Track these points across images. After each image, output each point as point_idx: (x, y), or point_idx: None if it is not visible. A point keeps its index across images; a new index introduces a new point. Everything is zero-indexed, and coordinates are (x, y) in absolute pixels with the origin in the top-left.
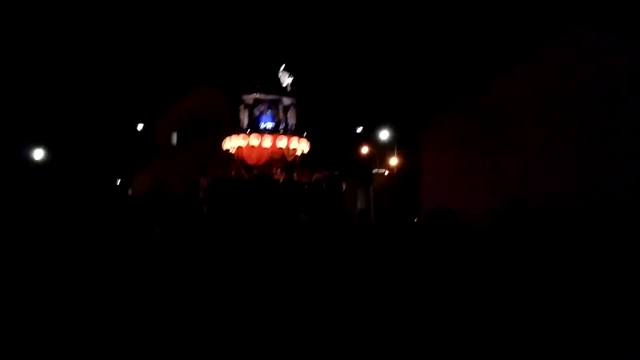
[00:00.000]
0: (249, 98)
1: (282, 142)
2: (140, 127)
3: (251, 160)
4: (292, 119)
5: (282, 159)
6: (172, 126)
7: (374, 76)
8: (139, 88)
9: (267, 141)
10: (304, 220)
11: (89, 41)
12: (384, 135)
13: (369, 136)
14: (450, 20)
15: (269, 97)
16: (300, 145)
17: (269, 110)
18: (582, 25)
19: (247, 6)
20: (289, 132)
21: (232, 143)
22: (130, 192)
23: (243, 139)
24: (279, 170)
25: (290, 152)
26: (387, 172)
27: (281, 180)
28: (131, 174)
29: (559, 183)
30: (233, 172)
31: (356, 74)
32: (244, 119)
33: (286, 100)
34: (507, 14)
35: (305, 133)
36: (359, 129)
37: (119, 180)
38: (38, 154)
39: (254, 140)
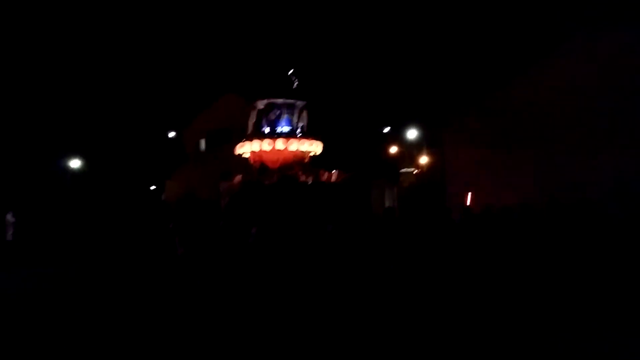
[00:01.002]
0: (262, 103)
1: (300, 144)
2: (171, 135)
3: (274, 163)
4: (304, 122)
5: (300, 161)
6: (201, 133)
7: (399, 76)
8: (168, 97)
9: (288, 144)
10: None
11: (122, 59)
12: (412, 134)
13: (397, 135)
14: (472, 18)
15: (285, 101)
16: (315, 147)
17: (285, 114)
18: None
19: (266, 10)
20: (303, 135)
21: (250, 147)
22: (163, 197)
23: (264, 143)
24: (300, 172)
25: (305, 154)
26: (416, 171)
27: (310, 182)
28: (163, 181)
29: (592, 181)
30: (255, 175)
31: (380, 74)
32: (260, 124)
33: (299, 104)
34: (528, 11)
35: (320, 135)
36: (386, 129)
37: (153, 186)
38: (75, 163)
39: (277, 144)
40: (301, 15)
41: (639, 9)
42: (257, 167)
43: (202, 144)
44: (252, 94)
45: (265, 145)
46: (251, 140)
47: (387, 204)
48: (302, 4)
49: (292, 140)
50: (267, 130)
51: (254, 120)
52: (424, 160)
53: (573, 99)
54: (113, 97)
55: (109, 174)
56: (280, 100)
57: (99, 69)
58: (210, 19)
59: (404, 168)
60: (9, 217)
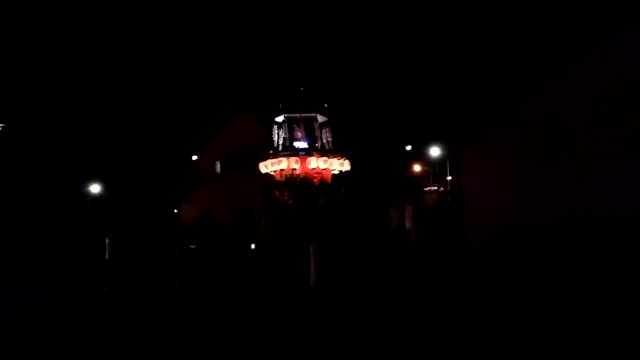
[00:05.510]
0: (295, 116)
1: (339, 163)
2: (194, 158)
3: (329, 181)
4: (329, 138)
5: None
6: (216, 156)
7: (418, 94)
8: (183, 122)
9: (336, 162)
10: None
11: (139, 84)
12: (435, 152)
13: (420, 154)
14: (489, 31)
15: (323, 117)
16: (346, 167)
17: (322, 130)
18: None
19: (283, 29)
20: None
21: (311, 165)
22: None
23: (332, 160)
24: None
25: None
26: (441, 189)
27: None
28: (179, 204)
29: (618, 195)
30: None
31: (400, 92)
32: (293, 139)
33: (321, 119)
34: (545, 20)
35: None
36: (408, 147)
37: (174, 210)
38: (95, 188)
39: (338, 161)
40: (319, 33)
41: None
42: (318, 184)
43: (218, 166)
44: (273, 111)
45: (335, 163)
46: (317, 156)
47: (407, 224)
48: (319, 22)
49: (338, 159)
50: (303, 145)
51: (286, 134)
52: (448, 178)
53: (595, 109)
54: (132, 123)
55: (129, 197)
56: (319, 116)
57: (118, 95)
58: (227, 40)
59: (428, 186)
60: (107, 240)
